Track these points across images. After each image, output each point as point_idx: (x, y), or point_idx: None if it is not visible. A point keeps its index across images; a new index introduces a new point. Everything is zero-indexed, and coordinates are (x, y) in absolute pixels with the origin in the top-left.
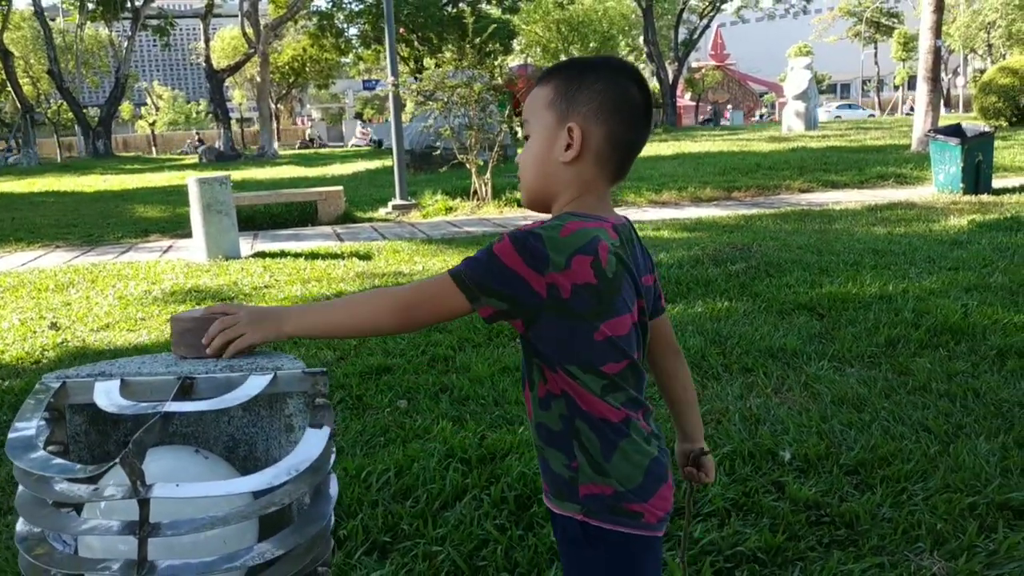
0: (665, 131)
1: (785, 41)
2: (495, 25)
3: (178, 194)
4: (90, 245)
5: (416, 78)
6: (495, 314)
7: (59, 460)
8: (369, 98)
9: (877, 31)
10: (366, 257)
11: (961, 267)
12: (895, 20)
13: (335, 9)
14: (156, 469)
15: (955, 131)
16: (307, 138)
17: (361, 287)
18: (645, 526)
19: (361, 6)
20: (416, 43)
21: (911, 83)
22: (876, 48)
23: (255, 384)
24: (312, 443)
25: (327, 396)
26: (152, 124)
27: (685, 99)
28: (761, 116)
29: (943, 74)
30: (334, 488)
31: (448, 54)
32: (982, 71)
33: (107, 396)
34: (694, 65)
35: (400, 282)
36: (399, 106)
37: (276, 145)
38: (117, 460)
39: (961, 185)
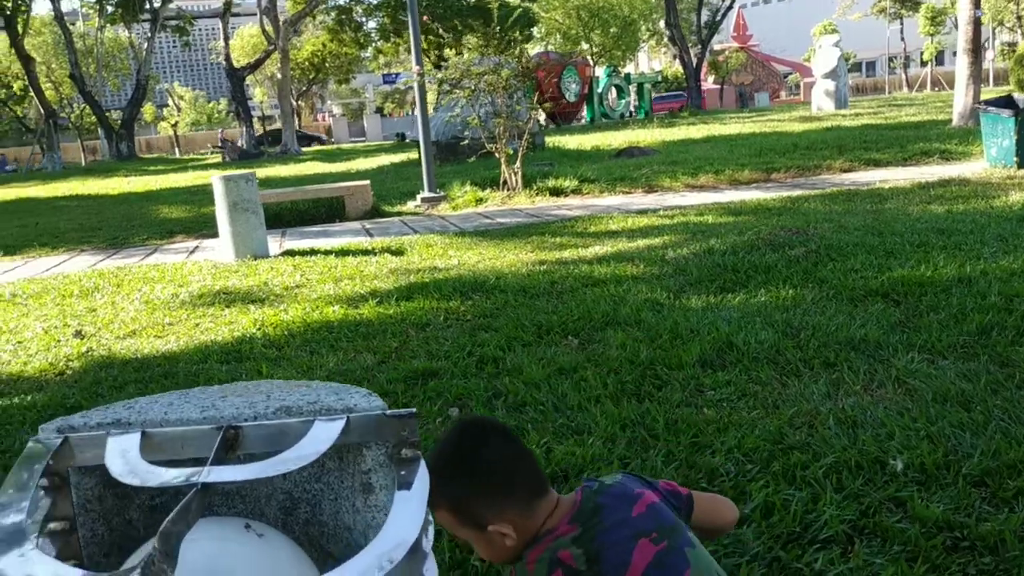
0: (691, 114)
1: (808, 20)
2: (520, 9)
3: (202, 194)
4: (115, 248)
5: (442, 67)
6: None
7: (50, 565)
8: (389, 92)
9: (903, 6)
10: (398, 252)
11: None
12: None
13: (353, 3)
14: (196, 558)
15: (1007, 103)
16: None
17: (396, 284)
18: None
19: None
20: (440, 31)
21: (939, 58)
22: (902, 24)
23: (323, 435)
24: (406, 514)
25: (418, 445)
26: (174, 125)
27: (708, 82)
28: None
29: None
30: (433, 572)
31: (474, 41)
32: (1011, 44)
33: (123, 458)
34: (716, 47)
35: (437, 279)
36: (425, 97)
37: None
38: (138, 568)
39: (1015, 159)
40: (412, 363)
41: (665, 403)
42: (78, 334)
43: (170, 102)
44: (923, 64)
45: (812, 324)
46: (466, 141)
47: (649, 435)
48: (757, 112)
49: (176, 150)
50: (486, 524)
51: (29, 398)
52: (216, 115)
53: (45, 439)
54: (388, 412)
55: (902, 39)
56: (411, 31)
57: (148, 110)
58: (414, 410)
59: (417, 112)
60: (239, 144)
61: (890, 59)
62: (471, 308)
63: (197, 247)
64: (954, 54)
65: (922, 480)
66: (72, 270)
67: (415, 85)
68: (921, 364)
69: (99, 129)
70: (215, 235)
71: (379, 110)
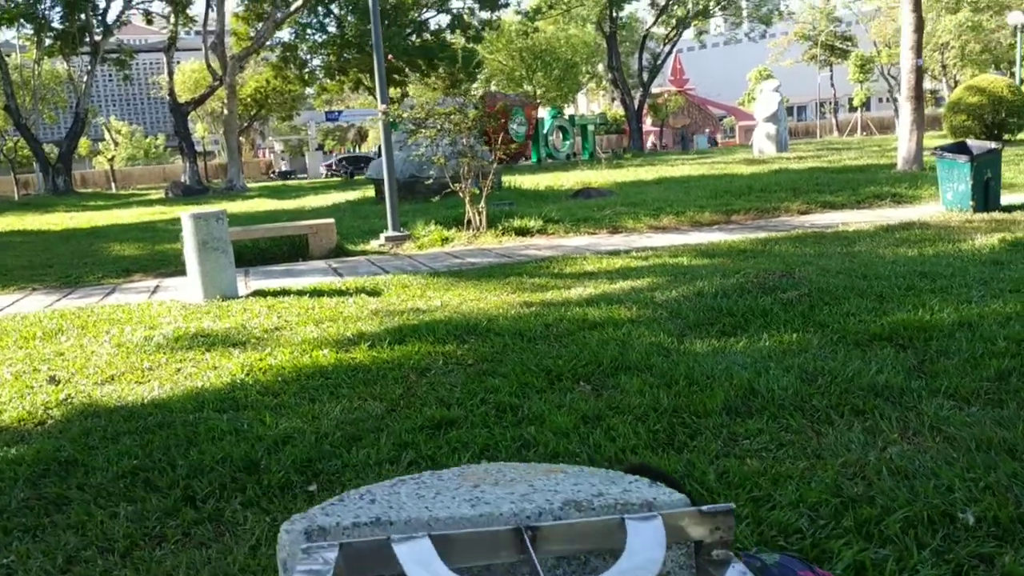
0: (634, 156)
1: (742, 65)
2: (479, 55)
3: (152, 231)
4: (69, 287)
5: (410, 106)
6: None
7: None
8: (331, 129)
9: (832, 54)
10: (375, 293)
11: (1023, 288)
12: (849, 43)
13: (298, 40)
14: None
15: (961, 148)
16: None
17: (382, 326)
18: None
19: (324, 37)
20: (405, 71)
21: (866, 104)
22: (832, 71)
23: (648, 538)
24: None
25: (730, 544)
26: (111, 160)
27: (647, 124)
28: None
29: (898, 95)
30: None
31: (441, 81)
32: (933, 92)
33: (428, 570)
34: (655, 91)
35: (424, 321)
36: (390, 135)
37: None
38: None
39: (971, 203)
40: (424, 411)
41: (704, 453)
42: (52, 380)
43: (106, 136)
44: (851, 109)
45: (827, 369)
46: (430, 180)
47: (703, 488)
48: (699, 154)
49: (112, 185)
50: None
51: (14, 451)
52: (154, 150)
53: (315, 547)
54: (705, 508)
55: (832, 85)
56: (376, 70)
57: (83, 144)
58: (732, 505)
59: (382, 149)
60: (182, 180)
61: (820, 104)
62: (469, 352)
63: (158, 286)
64: (880, 100)
65: (998, 535)
66: (28, 310)
67: (380, 123)
68: (951, 411)
69: (34, 163)
70: (175, 274)
71: (320, 147)
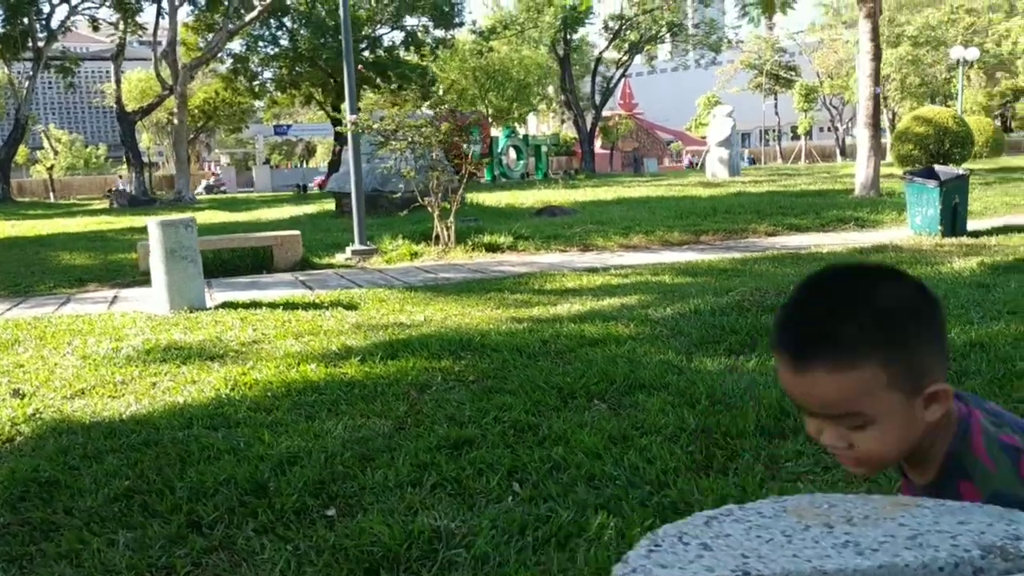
0: (587, 177)
1: (690, 92)
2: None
3: (103, 240)
4: (19, 296)
5: (380, 118)
6: None
7: None
8: (278, 143)
9: (776, 83)
10: (351, 307)
11: (1019, 310)
12: (792, 73)
13: (249, 52)
14: None
15: (930, 174)
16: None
17: (368, 340)
18: None
19: (276, 50)
20: (377, 83)
21: (808, 133)
22: (776, 99)
23: None
24: None
25: None
26: (50, 169)
27: (596, 146)
28: (692, 163)
29: (839, 124)
30: None
31: (412, 93)
32: None
33: None
34: (605, 114)
35: (413, 336)
36: (359, 147)
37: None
38: None
39: (939, 227)
40: (435, 430)
41: (751, 476)
42: (16, 393)
43: (45, 144)
44: (795, 137)
45: None
46: (397, 194)
47: None
48: (652, 177)
49: (51, 195)
50: (926, 385)
51: None
52: (95, 160)
53: None
54: None
55: (776, 114)
56: (346, 80)
57: (21, 152)
58: None
59: (349, 161)
60: (128, 190)
61: (765, 132)
62: (468, 368)
63: (116, 297)
64: (821, 129)
65: None
66: None
67: (348, 134)
68: None
69: None
70: (133, 284)
71: (267, 161)
